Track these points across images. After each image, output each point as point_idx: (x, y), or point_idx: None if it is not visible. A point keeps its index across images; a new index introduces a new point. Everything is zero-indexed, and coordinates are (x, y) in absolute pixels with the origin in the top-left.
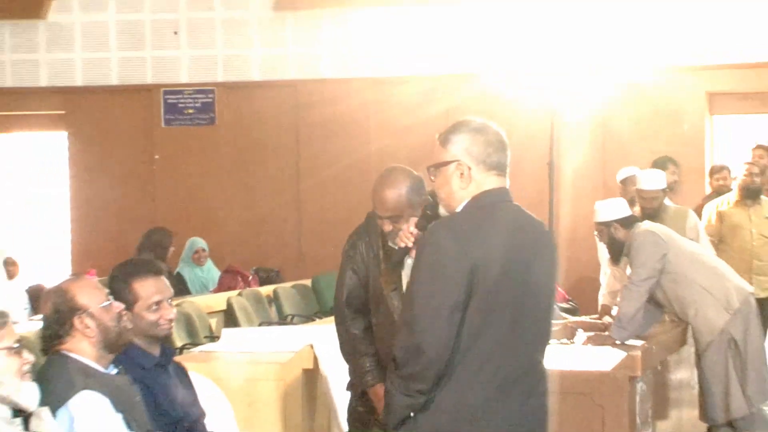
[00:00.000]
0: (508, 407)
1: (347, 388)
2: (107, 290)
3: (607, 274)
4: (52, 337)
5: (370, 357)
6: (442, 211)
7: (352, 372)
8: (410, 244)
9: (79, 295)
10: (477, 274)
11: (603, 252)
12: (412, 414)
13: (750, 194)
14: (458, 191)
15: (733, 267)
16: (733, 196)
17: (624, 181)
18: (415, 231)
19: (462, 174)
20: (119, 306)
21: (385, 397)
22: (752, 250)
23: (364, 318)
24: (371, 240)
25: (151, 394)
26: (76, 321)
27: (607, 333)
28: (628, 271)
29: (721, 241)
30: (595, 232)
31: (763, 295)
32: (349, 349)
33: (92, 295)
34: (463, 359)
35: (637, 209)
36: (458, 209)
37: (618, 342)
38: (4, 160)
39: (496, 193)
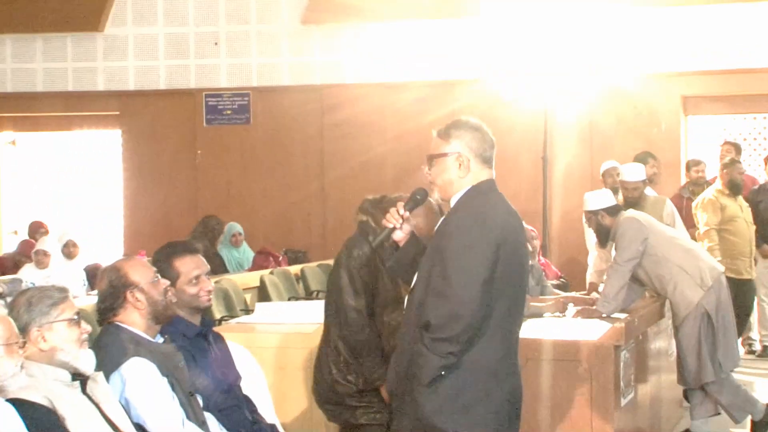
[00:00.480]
0: (514, 368)
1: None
2: (155, 269)
3: (593, 256)
4: (107, 310)
5: (380, 354)
6: (437, 197)
7: (370, 370)
8: (397, 225)
9: (131, 272)
10: (499, 251)
11: (590, 236)
12: (442, 373)
13: (737, 188)
14: (457, 180)
15: (737, 252)
16: (718, 190)
17: (605, 173)
18: (403, 212)
19: (461, 165)
20: (165, 282)
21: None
22: (750, 237)
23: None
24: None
25: (193, 360)
26: (129, 295)
27: (594, 307)
28: (613, 252)
29: (722, 230)
30: (584, 219)
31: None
32: (368, 349)
33: (142, 273)
34: (483, 325)
35: (620, 198)
36: (456, 195)
37: (604, 315)
38: (66, 155)
39: (491, 183)
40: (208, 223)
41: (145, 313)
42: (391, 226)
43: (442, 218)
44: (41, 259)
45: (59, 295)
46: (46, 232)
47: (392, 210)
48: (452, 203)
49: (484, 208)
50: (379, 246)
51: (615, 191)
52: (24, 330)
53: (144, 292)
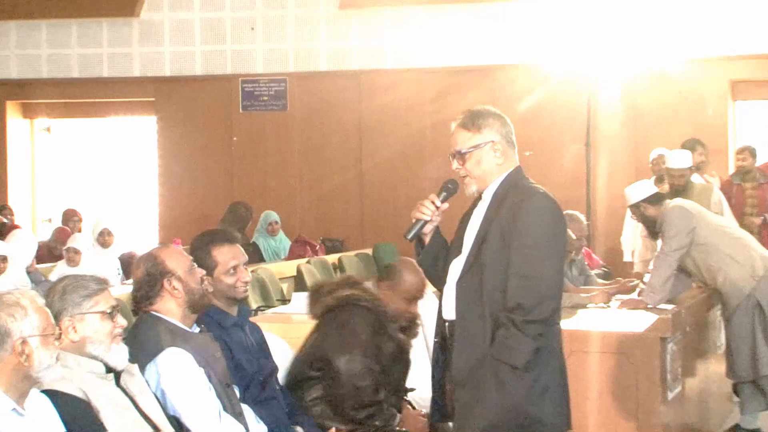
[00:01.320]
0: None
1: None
2: (191, 257)
3: (637, 245)
4: (143, 298)
5: None
6: (473, 189)
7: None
8: (428, 218)
9: (168, 260)
10: (566, 235)
11: (628, 224)
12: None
13: None
14: (496, 168)
15: None
16: None
17: (654, 161)
18: (439, 203)
19: (497, 152)
20: (202, 271)
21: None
22: None
23: None
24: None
25: (229, 351)
26: (165, 283)
27: (640, 298)
28: (659, 243)
29: None
30: (630, 215)
31: None
32: None
33: (179, 261)
34: (559, 310)
35: (667, 186)
36: (496, 182)
37: (650, 306)
38: (101, 142)
39: (521, 170)
40: (236, 210)
41: (181, 302)
42: (427, 218)
43: (480, 207)
44: (72, 257)
45: (96, 286)
46: (80, 220)
47: (426, 202)
48: (490, 192)
49: (543, 190)
50: (414, 239)
51: (660, 179)
52: (56, 318)
53: (181, 280)
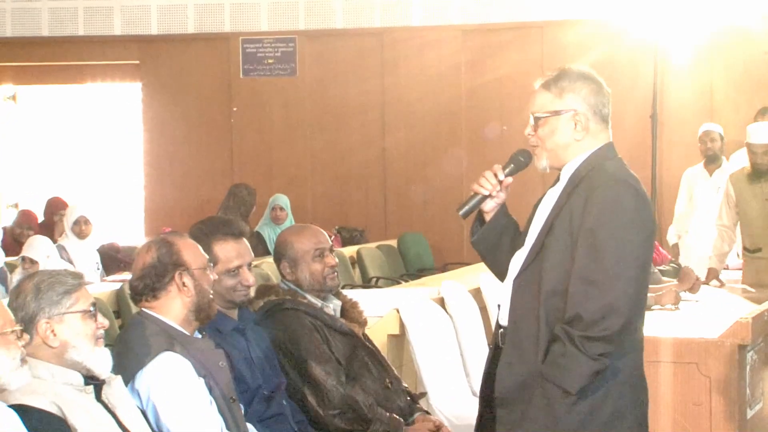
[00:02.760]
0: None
1: None
2: (208, 256)
3: (697, 234)
4: (147, 289)
5: None
6: (544, 163)
7: None
8: (493, 192)
9: (185, 251)
10: (653, 236)
11: (680, 209)
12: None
13: None
14: (573, 143)
15: None
16: None
17: (701, 138)
18: (502, 177)
19: (577, 124)
20: (216, 276)
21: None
22: None
23: None
24: None
25: (228, 360)
26: (177, 276)
27: None
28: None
29: None
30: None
31: None
32: None
33: (196, 255)
34: (633, 325)
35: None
36: (573, 162)
37: None
38: (76, 113)
39: (612, 147)
40: (238, 194)
41: (189, 303)
42: (485, 192)
43: (554, 190)
44: (29, 268)
45: (74, 281)
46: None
47: (488, 173)
48: (566, 171)
49: (631, 178)
50: (467, 216)
51: (712, 159)
52: (31, 321)
53: (194, 277)
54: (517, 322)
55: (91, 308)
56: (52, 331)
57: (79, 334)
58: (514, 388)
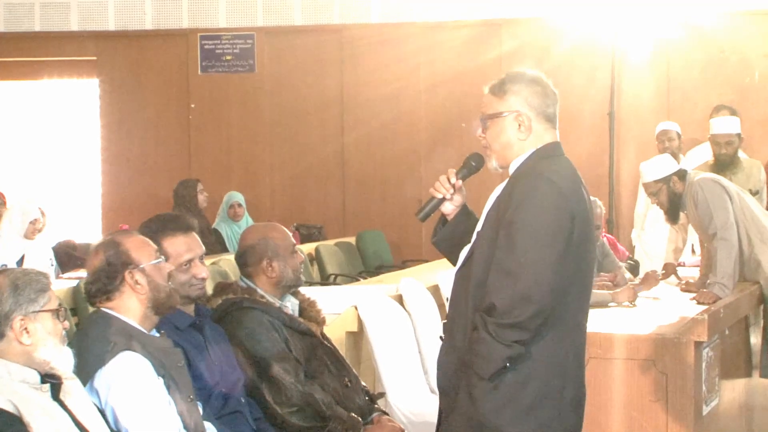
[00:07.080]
0: (582, 365)
1: None
2: (157, 248)
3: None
4: (99, 292)
5: None
6: (494, 164)
7: None
8: (448, 195)
9: (133, 249)
10: (574, 225)
11: (639, 210)
12: (507, 365)
13: None
14: (517, 143)
15: None
16: None
17: (659, 136)
18: (455, 181)
19: (520, 125)
20: (170, 266)
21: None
22: None
23: None
24: None
25: (186, 357)
26: (128, 276)
27: (711, 291)
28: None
29: None
30: (643, 195)
31: None
32: None
33: (144, 251)
34: (555, 311)
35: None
36: (517, 161)
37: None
38: (32, 109)
39: (557, 146)
40: (177, 194)
41: (144, 300)
42: (440, 196)
43: (499, 187)
44: None
45: (45, 280)
46: (4, 204)
47: (442, 178)
48: (512, 169)
49: (553, 174)
50: (426, 219)
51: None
52: (6, 318)
53: (146, 274)
54: (452, 313)
55: (60, 307)
56: (26, 329)
57: (50, 332)
58: (448, 377)
